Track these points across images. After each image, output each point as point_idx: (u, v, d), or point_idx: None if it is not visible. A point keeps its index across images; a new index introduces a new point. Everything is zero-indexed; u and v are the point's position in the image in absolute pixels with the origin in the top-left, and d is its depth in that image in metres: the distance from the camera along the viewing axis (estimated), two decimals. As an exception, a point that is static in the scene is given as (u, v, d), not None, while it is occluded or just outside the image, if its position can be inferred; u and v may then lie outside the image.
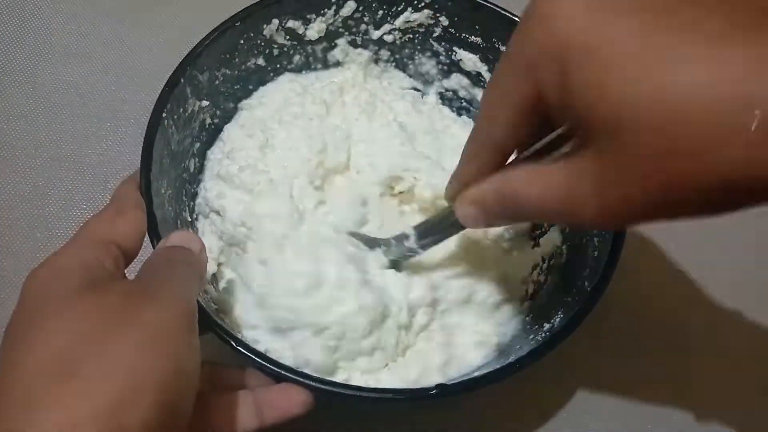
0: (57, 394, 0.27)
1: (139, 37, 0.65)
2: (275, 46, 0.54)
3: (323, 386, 0.39)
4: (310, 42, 0.56)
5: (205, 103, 0.51)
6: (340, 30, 0.56)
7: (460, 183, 0.39)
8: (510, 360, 0.42)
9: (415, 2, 0.54)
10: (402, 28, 0.56)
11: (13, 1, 0.66)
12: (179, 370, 0.31)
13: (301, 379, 0.39)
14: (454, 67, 0.57)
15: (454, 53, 0.57)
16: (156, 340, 0.30)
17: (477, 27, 0.54)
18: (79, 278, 0.32)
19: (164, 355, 0.30)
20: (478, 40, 0.54)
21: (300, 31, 0.54)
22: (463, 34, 0.55)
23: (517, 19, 0.51)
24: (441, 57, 0.58)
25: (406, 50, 0.58)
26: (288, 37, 0.54)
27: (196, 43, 0.50)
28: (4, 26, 0.65)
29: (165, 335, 0.31)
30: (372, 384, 0.45)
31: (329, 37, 0.56)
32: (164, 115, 0.47)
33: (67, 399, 0.27)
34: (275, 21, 0.53)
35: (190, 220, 0.50)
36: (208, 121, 0.53)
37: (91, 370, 0.28)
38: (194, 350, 0.33)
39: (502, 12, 0.52)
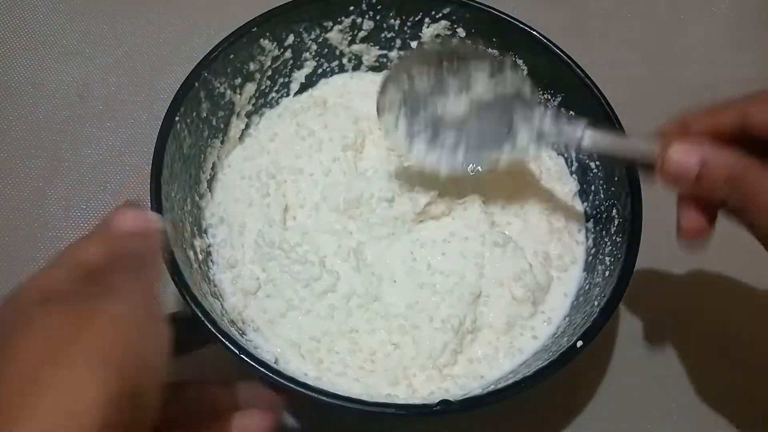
0: (19, 408, 0.26)
1: (138, 38, 0.65)
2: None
3: (326, 398, 0.39)
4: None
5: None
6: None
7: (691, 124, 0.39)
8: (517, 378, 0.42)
9: (433, 13, 0.55)
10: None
11: (14, 1, 0.65)
12: (138, 363, 0.30)
13: (304, 390, 0.38)
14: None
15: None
16: (110, 340, 0.29)
17: (494, 39, 0.54)
18: (40, 297, 0.31)
19: (120, 351, 0.29)
20: (495, 52, 0.54)
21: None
22: (480, 47, 0.55)
23: (533, 32, 0.51)
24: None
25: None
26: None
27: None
28: (4, 26, 0.64)
29: (119, 331, 0.30)
30: None
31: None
32: (177, 118, 0.46)
33: (29, 413, 0.26)
34: (293, 27, 0.52)
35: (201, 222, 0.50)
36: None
37: (46, 387, 0.27)
38: (154, 339, 0.32)
39: (520, 25, 0.53)
